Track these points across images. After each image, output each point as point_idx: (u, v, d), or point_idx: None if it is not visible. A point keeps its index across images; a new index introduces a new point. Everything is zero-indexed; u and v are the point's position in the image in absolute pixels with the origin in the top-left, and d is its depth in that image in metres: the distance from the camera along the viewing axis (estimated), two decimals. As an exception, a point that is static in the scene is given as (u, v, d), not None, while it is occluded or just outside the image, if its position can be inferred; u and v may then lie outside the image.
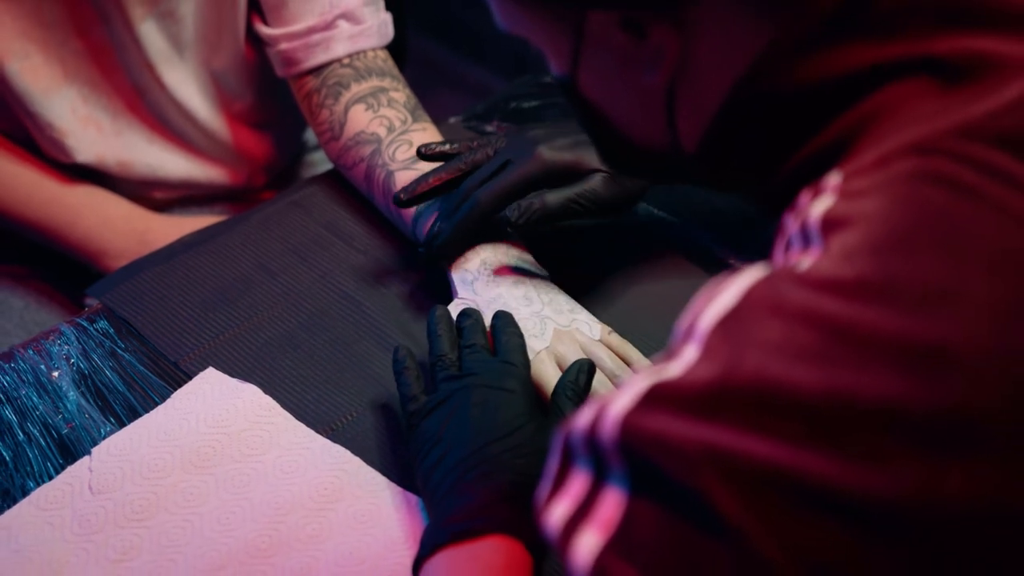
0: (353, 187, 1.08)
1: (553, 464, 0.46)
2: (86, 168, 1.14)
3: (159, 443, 0.82)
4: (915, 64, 0.48)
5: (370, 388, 0.88)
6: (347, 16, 1.07)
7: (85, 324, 0.93)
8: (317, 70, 1.08)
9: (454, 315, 0.86)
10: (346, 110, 1.06)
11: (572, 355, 0.84)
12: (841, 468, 0.39)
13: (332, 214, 1.07)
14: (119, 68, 1.11)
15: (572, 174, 0.91)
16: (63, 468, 0.81)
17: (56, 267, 1.19)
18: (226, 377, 0.88)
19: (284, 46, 1.08)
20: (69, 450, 0.83)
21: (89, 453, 0.81)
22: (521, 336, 0.83)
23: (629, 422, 0.42)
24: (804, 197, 0.49)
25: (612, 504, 0.43)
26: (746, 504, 0.39)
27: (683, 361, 0.44)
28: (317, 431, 0.84)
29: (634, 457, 0.42)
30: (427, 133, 1.04)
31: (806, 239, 0.47)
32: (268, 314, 0.95)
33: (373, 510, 0.78)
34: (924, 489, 0.38)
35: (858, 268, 0.42)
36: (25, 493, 0.79)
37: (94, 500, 0.78)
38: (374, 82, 1.07)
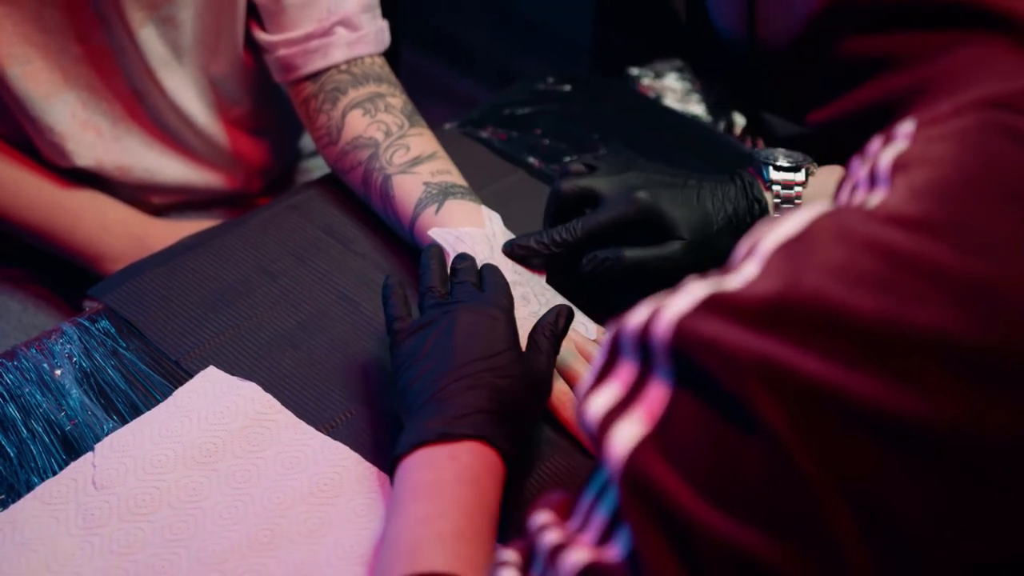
0: (350, 191, 1.10)
1: (600, 358, 0.47)
2: (85, 172, 1.15)
3: (161, 439, 0.83)
4: (995, 19, 0.50)
5: (368, 386, 0.90)
6: (345, 23, 1.08)
7: (87, 324, 0.94)
8: (315, 76, 1.10)
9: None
10: (344, 115, 1.07)
11: (568, 354, 0.86)
12: (888, 391, 0.40)
13: (330, 217, 1.08)
14: (118, 73, 1.12)
15: (658, 228, 0.92)
16: (67, 464, 0.82)
17: (54, 270, 1.20)
18: (227, 375, 0.89)
19: (282, 52, 1.09)
20: (72, 446, 0.84)
21: (92, 449, 0.83)
22: (506, 280, 0.85)
23: (684, 325, 0.43)
24: (875, 143, 0.50)
25: (655, 398, 0.44)
26: (789, 416, 0.40)
27: (742, 276, 0.45)
28: (317, 428, 0.85)
29: (683, 358, 0.43)
30: (424, 138, 1.06)
31: (873, 182, 0.48)
32: (268, 314, 0.96)
33: (372, 505, 0.80)
34: (968, 419, 0.40)
35: (924, 206, 0.44)
36: (29, 488, 0.80)
37: (98, 495, 0.79)
38: (371, 87, 1.08)
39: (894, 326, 0.41)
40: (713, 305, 0.44)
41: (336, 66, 1.09)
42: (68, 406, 0.87)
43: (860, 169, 0.50)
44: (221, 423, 0.85)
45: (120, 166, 1.16)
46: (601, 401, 0.46)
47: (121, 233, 1.16)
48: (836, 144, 0.55)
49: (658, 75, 1.45)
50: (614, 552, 0.44)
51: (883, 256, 0.42)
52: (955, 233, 0.42)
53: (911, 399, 0.40)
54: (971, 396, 0.40)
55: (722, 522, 0.41)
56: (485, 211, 0.98)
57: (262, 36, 1.11)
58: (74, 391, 0.88)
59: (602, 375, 0.47)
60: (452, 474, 0.68)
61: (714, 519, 0.41)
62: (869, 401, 0.40)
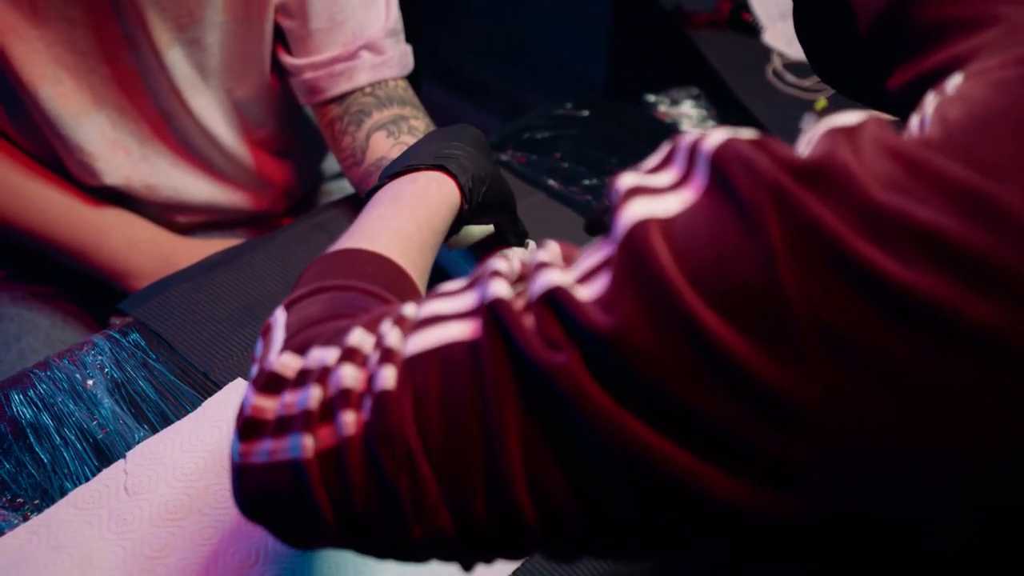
0: (373, 211, 1.12)
1: (653, 161, 0.51)
2: (114, 191, 1.17)
3: (191, 447, 0.85)
4: None
5: (393, 399, 0.91)
6: (370, 47, 1.11)
7: (118, 336, 0.96)
8: (340, 98, 1.12)
9: None
10: (368, 137, 1.09)
11: None
12: (882, 257, 0.43)
13: (353, 236, 1.10)
14: (146, 94, 1.15)
15: None
16: (99, 470, 0.84)
17: (81, 287, 1.22)
18: (255, 387, 0.91)
19: (308, 75, 1.12)
20: (104, 454, 0.86)
21: (124, 456, 0.84)
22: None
23: (730, 143, 0.47)
24: (928, 97, 0.53)
25: (683, 195, 0.48)
26: (788, 240, 0.43)
27: (795, 149, 0.49)
28: (343, 438, 0.87)
29: (718, 167, 0.47)
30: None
31: (922, 129, 0.51)
32: (294, 328, 0.98)
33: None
34: (951, 307, 0.42)
35: (947, 130, 0.47)
36: (63, 493, 0.82)
37: (130, 501, 0.81)
38: (395, 110, 1.11)
39: (898, 215, 0.44)
40: (760, 143, 0.47)
41: (361, 89, 1.11)
42: (100, 415, 0.89)
43: (914, 120, 0.53)
44: (249, 432, 0.86)
45: (148, 185, 1.18)
46: (636, 179, 0.49)
47: (148, 251, 1.18)
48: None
49: (674, 102, 1.47)
50: (588, 292, 0.47)
51: (900, 160, 0.46)
52: (965, 152, 0.46)
53: (902, 271, 0.43)
54: (959, 289, 0.42)
55: (700, 306, 0.44)
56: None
57: (288, 60, 1.14)
58: (106, 400, 0.90)
59: (651, 171, 0.50)
60: (410, 192, 0.81)
61: (693, 301, 0.44)
62: (861, 258, 0.43)
